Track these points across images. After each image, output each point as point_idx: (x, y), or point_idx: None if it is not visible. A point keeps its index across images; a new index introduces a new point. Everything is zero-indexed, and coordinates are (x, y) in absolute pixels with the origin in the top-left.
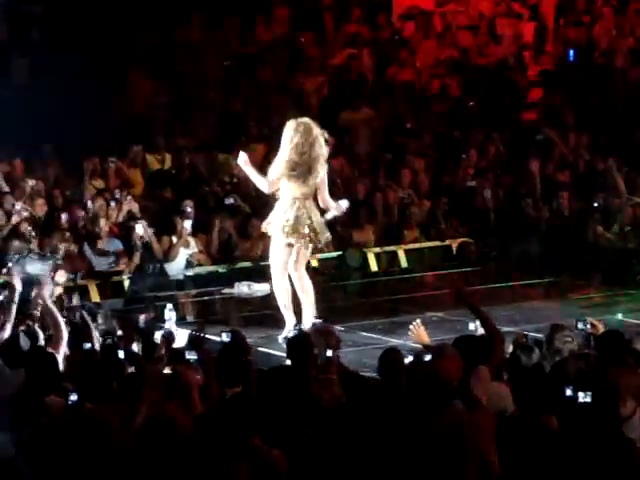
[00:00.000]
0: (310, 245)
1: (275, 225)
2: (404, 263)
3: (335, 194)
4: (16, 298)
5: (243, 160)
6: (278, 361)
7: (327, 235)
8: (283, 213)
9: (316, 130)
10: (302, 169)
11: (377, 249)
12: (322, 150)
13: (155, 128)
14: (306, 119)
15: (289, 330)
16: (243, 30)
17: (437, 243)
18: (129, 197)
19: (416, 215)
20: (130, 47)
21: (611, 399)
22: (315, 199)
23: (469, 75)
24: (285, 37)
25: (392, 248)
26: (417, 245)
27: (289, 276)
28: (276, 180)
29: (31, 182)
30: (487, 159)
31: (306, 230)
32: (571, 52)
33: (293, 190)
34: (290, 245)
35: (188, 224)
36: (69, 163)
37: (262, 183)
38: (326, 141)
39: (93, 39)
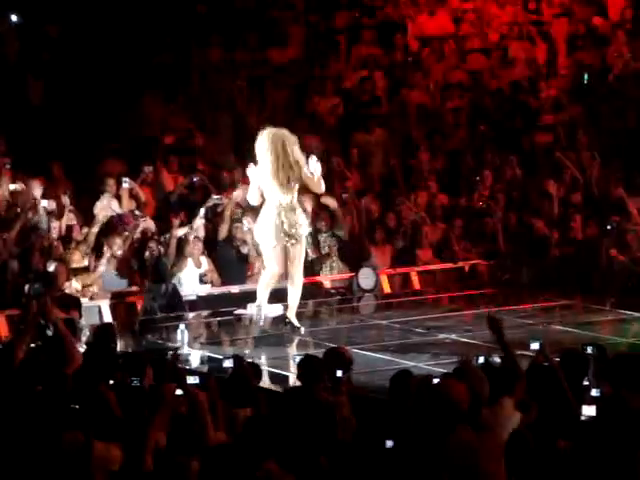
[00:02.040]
0: (297, 242)
1: (261, 229)
2: (417, 284)
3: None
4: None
5: (253, 171)
6: (292, 382)
7: (306, 229)
8: (268, 218)
9: (285, 134)
10: (281, 172)
11: (390, 270)
12: (296, 153)
13: (169, 149)
14: (272, 128)
15: (250, 308)
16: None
17: (450, 265)
18: (146, 217)
19: (429, 237)
20: (144, 68)
21: (627, 422)
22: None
23: (482, 98)
24: (299, 59)
25: (405, 269)
26: (430, 267)
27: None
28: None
29: (44, 202)
30: (502, 181)
31: (291, 231)
32: (585, 75)
33: (274, 196)
34: (276, 247)
35: (200, 222)
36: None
37: (254, 195)
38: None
39: (108, 61)
